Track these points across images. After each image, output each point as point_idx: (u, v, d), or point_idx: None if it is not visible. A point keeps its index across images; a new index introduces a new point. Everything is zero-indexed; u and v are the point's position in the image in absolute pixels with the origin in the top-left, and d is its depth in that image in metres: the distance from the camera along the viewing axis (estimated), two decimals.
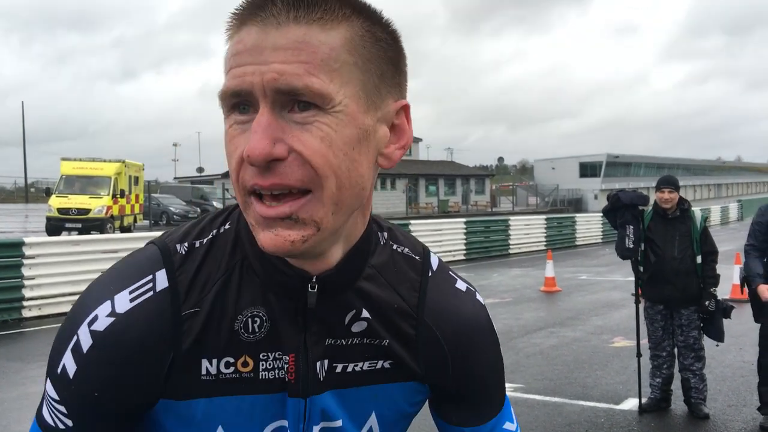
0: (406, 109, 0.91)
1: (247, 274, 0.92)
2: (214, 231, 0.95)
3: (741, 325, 7.33)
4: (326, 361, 0.94)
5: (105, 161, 25.91)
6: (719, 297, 5.52)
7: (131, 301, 0.88)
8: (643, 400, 5.64)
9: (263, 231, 0.82)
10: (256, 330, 0.91)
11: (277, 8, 0.80)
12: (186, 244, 0.94)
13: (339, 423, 0.97)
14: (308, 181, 0.80)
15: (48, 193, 26.38)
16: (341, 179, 0.81)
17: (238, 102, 0.82)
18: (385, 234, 1.02)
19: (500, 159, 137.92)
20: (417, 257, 1.03)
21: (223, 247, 0.94)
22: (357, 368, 0.96)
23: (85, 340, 0.87)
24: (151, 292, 0.89)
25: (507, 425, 1.10)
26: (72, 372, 0.87)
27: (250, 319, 0.91)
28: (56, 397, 0.89)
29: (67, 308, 10.33)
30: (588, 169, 65.88)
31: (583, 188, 61.20)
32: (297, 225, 0.81)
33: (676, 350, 5.56)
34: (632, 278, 5.98)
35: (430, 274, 1.03)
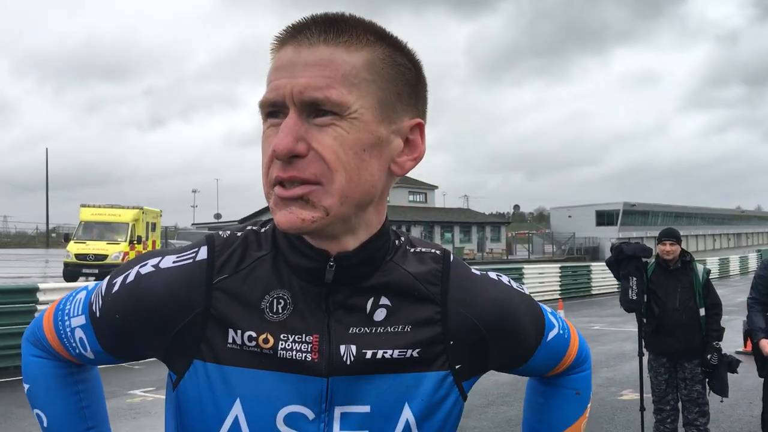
0: (420, 126, 1.04)
1: (278, 263, 1.05)
2: (255, 227, 1.11)
3: (752, 379, 7.18)
4: (353, 347, 1.01)
5: (123, 208, 26.31)
6: (731, 350, 5.47)
7: (174, 263, 1.07)
8: None
9: (280, 211, 0.96)
10: (280, 311, 1.02)
11: (311, 32, 0.96)
12: (228, 233, 1.11)
13: (367, 408, 1.01)
14: (320, 174, 0.94)
15: (67, 238, 26.72)
16: (350, 174, 0.95)
17: (273, 111, 0.97)
18: (402, 239, 1.13)
19: (516, 207, 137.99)
20: (437, 251, 1.12)
21: (262, 240, 1.08)
22: (387, 355, 1.01)
23: (131, 276, 1.07)
24: (191, 260, 1.06)
25: (551, 334, 1.20)
26: (114, 290, 1.08)
27: (275, 300, 1.02)
28: (102, 292, 1.10)
29: None
30: (605, 218, 65.62)
31: (600, 237, 60.82)
32: (308, 206, 0.95)
33: (680, 404, 5.51)
34: None
35: (450, 264, 1.11)
